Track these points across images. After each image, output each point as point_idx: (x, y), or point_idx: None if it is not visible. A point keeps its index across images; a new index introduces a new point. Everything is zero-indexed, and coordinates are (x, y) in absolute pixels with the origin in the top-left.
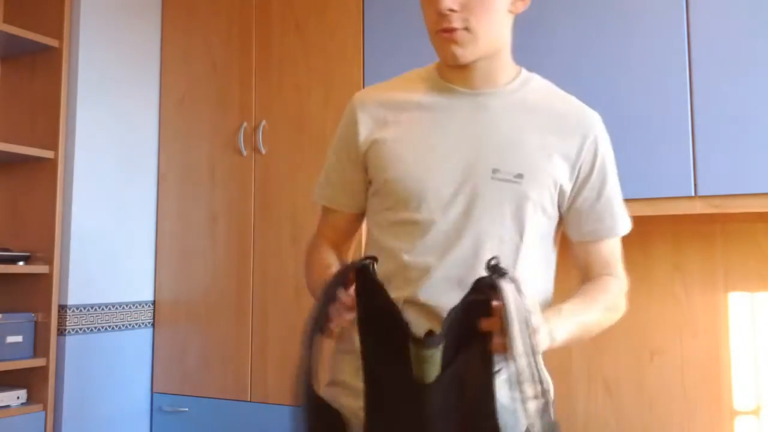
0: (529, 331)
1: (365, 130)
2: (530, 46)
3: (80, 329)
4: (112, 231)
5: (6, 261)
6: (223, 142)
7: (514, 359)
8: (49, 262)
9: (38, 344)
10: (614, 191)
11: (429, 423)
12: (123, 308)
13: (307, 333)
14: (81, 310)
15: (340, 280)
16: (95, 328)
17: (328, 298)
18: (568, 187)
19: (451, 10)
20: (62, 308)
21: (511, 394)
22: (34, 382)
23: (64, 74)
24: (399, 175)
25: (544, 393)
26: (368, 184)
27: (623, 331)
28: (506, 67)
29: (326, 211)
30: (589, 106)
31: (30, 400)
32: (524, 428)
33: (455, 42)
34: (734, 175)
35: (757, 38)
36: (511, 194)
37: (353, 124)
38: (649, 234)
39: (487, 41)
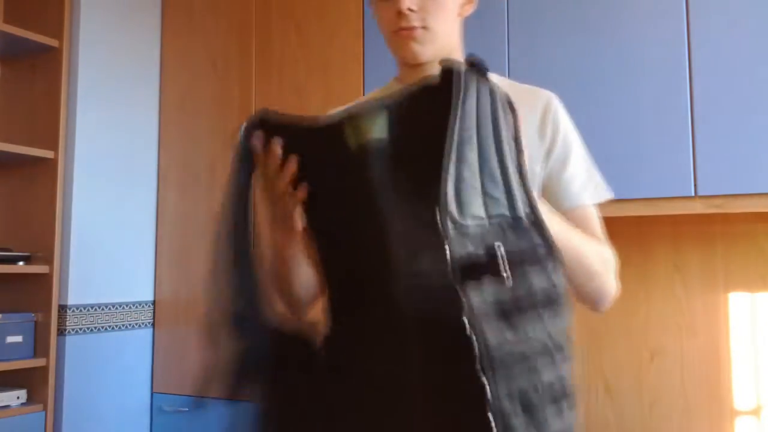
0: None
1: None
2: (530, 47)
3: (80, 329)
4: (112, 231)
5: (6, 261)
6: (223, 142)
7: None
8: (49, 262)
9: (38, 344)
10: (580, 161)
11: (373, 191)
12: (123, 308)
13: (228, 236)
14: (81, 310)
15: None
16: (95, 328)
17: (244, 164)
18: (538, 162)
19: (410, 10)
20: (62, 308)
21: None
22: (34, 382)
23: (64, 74)
24: None
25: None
26: None
27: (623, 331)
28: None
29: None
30: (589, 106)
31: (30, 400)
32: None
33: (414, 39)
34: (734, 175)
35: (757, 38)
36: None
37: None
38: (649, 234)
39: (444, 40)
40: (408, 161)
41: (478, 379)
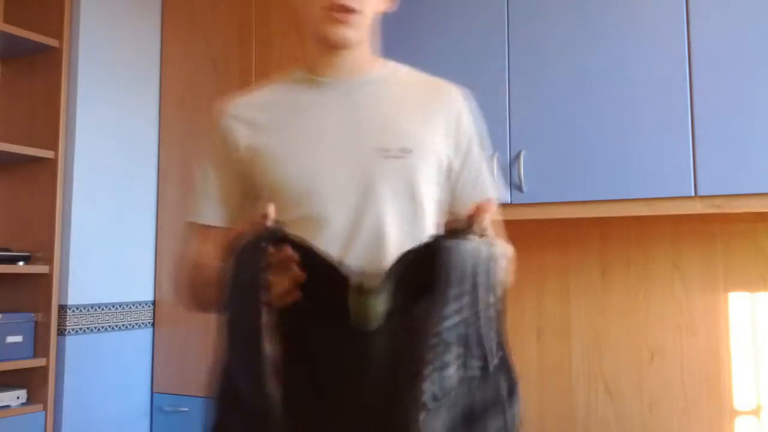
0: (489, 296)
1: (242, 138)
2: (530, 47)
3: (80, 329)
4: (112, 231)
5: (6, 261)
6: None
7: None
8: (49, 262)
9: (38, 344)
10: (482, 159)
11: (367, 370)
12: (123, 308)
13: (252, 326)
14: (81, 310)
15: (262, 243)
16: (95, 328)
17: (257, 264)
18: (450, 157)
19: None
20: (62, 308)
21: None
22: (34, 382)
23: (64, 74)
24: (287, 174)
25: (491, 360)
26: (246, 194)
27: (623, 331)
28: (371, 57)
29: (200, 230)
30: (589, 105)
31: (30, 400)
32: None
33: (348, 23)
34: (734, 175)
35: (757, 38)
36: (402, 169)
37: (227, 135)
38: (649, 234)
39: (369, 28)
40: (395, 345)
41: None
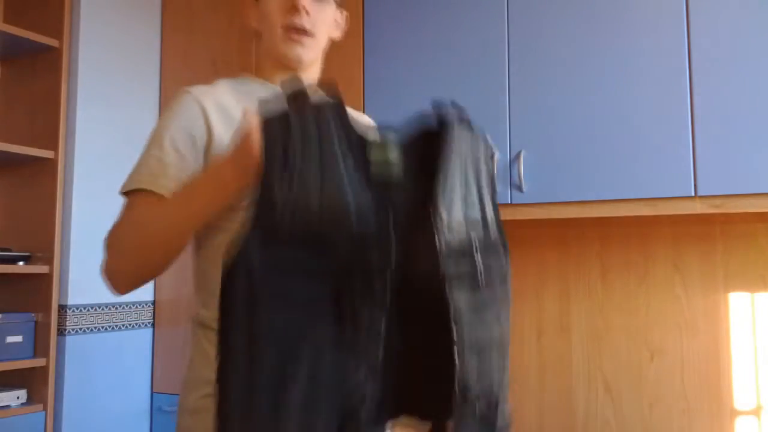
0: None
1: (212, 115)
2: (530, 47)
3: (80, 329)
4: None
5: (6, 261)
6: None
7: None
8: (49, 262)
9: (38, 344)
10: None
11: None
12: (123, 308)
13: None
14: (81, 310)
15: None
16: (95, 328)
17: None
18: None
19: (305, 11)
20: (62, 308)
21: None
22: (34, 382)
23: (64, 74)
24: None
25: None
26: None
27: (624, 332)
28: (316, 80)
29: (153, 200)
30: (589, 105)
31: (30, 400)
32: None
33: (302, 44)
34: (734, 175)
35: (757, 38)
36: None
37: (200, 115)
38: (649, 234)
39: (320, 51)
40: (411, 183)
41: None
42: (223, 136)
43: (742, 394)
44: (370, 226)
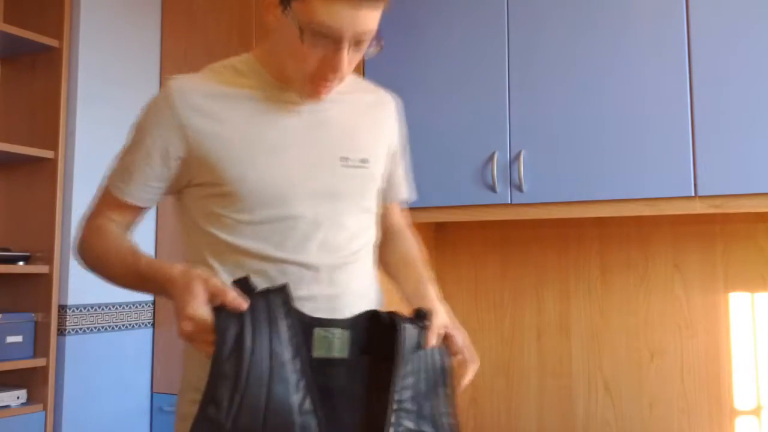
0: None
1: (193, 124)
2: (530, 47)
3: (80, 329)
4: None
5: (6, 261)
6: None
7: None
8: (49, 262)
9: (38, 344)
10: (402, 161)
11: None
12: (123, 308)
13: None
14: (81, 310)
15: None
16: (95, 328)
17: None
18: (387, 164)
19: (349, 63)
20: (62, 308)
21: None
22: (34, 382)
23: (64, 74)
24: (258, 176)
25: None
26: (171, 184)
27: (623, 332)
28: None
29: (119, 201)
30: (589, 105)
31: (30, 400)
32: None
33: (328, 92)
34: (734, 175)
35: (757, 38)
36: (362, 179)
37: (175, 116)
38: (649, 234)
39: None
40: (359, 379)
41: None
42: (203, 136)
43: (741, 394)
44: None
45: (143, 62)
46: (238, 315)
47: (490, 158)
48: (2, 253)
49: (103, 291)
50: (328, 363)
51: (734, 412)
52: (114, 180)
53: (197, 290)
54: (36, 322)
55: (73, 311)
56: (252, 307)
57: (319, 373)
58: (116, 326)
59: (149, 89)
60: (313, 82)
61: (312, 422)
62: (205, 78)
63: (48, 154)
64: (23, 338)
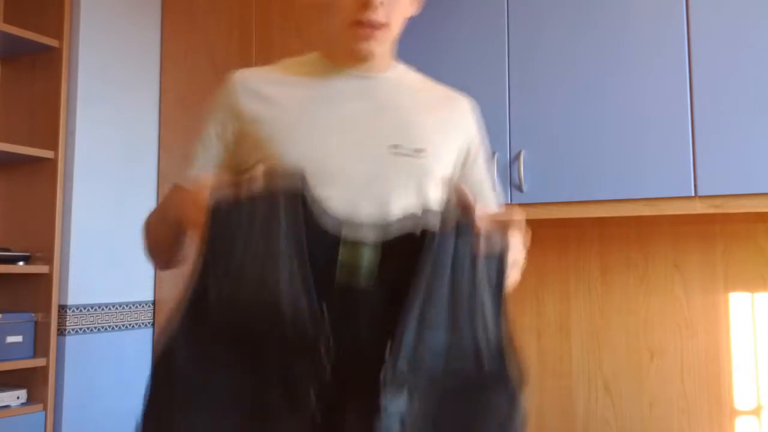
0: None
1: (247, 106)
2: (530, 47)
3: (80, 329)
4: (112, 231)
5: (6, 261)
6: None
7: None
8: (49, 262)
9: (38, 344)
10: (486, 171)
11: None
12: (123, 308)
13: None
14: (81, 310)
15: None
16: (95, 328)
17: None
18: (457, 167)
19: (381, 2)
20: (62, 308)
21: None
22: (34, 382)
23: (64, 74)
24: (298, 152)
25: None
26: (231, 168)
27: (623, 332)
28: (389, 57)
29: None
30: (589, 105)
31: (30, 400)
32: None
33: (374, 38)
34: (734, 175)
35: (757, 38)
36: (413, 168)
37: (231, 100)
38: (649, 234)
39: (394, 39)
40: (384, 305)
41: None
42: (255, 118)
43: (741, 394)
44: (305, 334)
45: (143, 62)
46: (234, 218)
47: (493, 170)
48: (2, 253)
49: (103, 291)
50: (349, 289)
51: (734, 412)
52: (181, 174)
53: (204, 181)
54: (36, 322)
55: (73, 311)
56: (251, 214)
57: (339, 300)
58: (116, 326)
59: (149, 89)
60: (351, 30)
61: (307, 317)
62: (266, 69)
63: (48, 154)
64: (23, 338)
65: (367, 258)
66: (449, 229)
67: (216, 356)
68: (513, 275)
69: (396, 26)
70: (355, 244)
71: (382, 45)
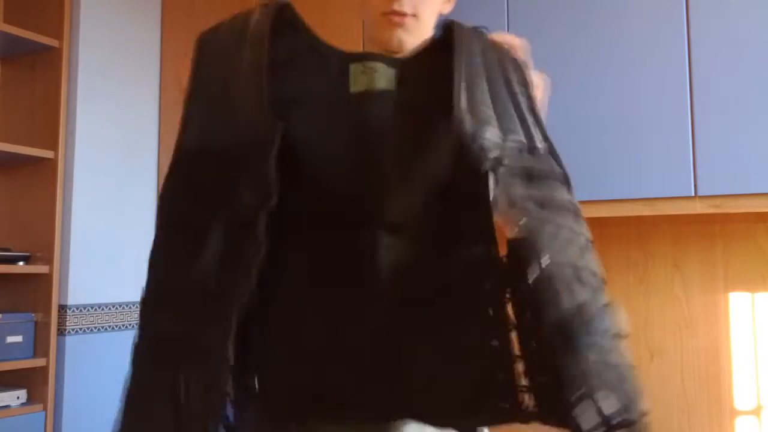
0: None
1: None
2: (530, 46)
3: (80, 329)
4: (112, 231)
5: (6, 261)
6: None
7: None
8: (49, 262)
9: (38, 344)
10: None
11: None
12: (123, 308)
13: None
14: (81, 310)
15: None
16: (95, 328)
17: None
18: None
19: None
20: (62, 308)
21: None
22: (34, 382)
23: (64, 74)
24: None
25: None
26: None
27: None
28: None
29: None
30: (589, 104)
31: (30, 400)
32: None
33: (403, 27)
34: (734, 175)
35: (757, 38)
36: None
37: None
38: (649, 234)
39: (427, 31)
40: (415, 108)
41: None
42: None
43: (741, 394)
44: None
45: (143, 62)
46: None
47: None
48: (2, 253)
49: (103, 291)
50: (368, 96)
51: (734, 412)
52: None
53: None
54: (36, 322)
55: (73, 311)
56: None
57: (356, 109)
58: (116, 326)
59: (149, 89)
60: (384, 17)
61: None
62: None
63: (48, 154)
64: (23, 338)
65: (385, 68)
66: (470, 28)
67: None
68: (537, 94)
69: (426, 19)
70: (369, 56)
71: (412, 35)
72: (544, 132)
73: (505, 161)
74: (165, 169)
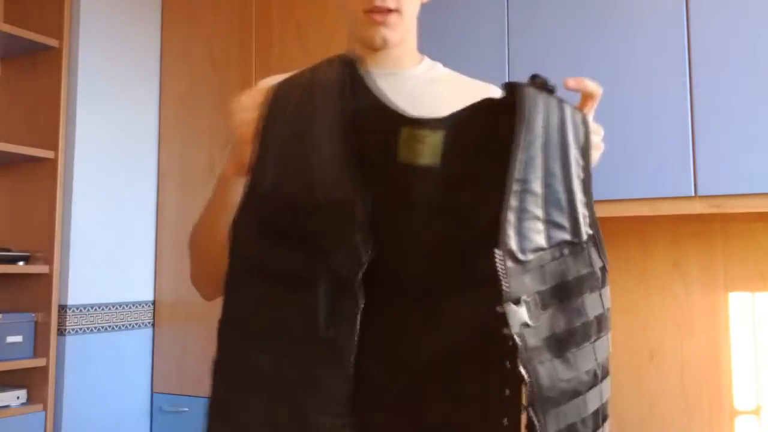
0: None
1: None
2: (530, 46)
3: (80, 329)
4: (112, 231)
5: (6, 261)
6: (223, 142)
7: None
8: (49, 262)
9: (38, 344)
10: None
11: (416, 210)
12: (123, 308)
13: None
14: (81, 310)
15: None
16: (95, 328)
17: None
18: None
19: None
20: (62, 308)
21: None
22: (34, 382)
23: (64, 74)
24: None
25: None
26: None
27: (623, 331)
28: (412, 52)
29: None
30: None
31: (30, 400)
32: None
33: (386, 24)
34: (734, 175)
35: (757, 38)
36: None
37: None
38: (649, 234)
39: (410, 24)
40: (461, 187)
41: (532, 419)
42: None
43: (741, 394)
44: (340, 215)
45: (143, 62)
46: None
47: None
48: (2, 253)
49: (103, 291)
50: (412, 171)
51: (734, 412)
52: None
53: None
54: (36, 322)
55: (73, 311)
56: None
57: (398, 181)
58: (116, 326)
59: (149, 89)
60: (366, 15)
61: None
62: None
63: (48, 154)
64: (23, 338)
65: (432, 136)
66: (535, 86)
67: (269, 248)
68: (594, 155)
69: (408, 12)
70: (418, 121)
71: (396, 32)
72: (593, 215)
73: (532, 322)
74: (165, 169)
